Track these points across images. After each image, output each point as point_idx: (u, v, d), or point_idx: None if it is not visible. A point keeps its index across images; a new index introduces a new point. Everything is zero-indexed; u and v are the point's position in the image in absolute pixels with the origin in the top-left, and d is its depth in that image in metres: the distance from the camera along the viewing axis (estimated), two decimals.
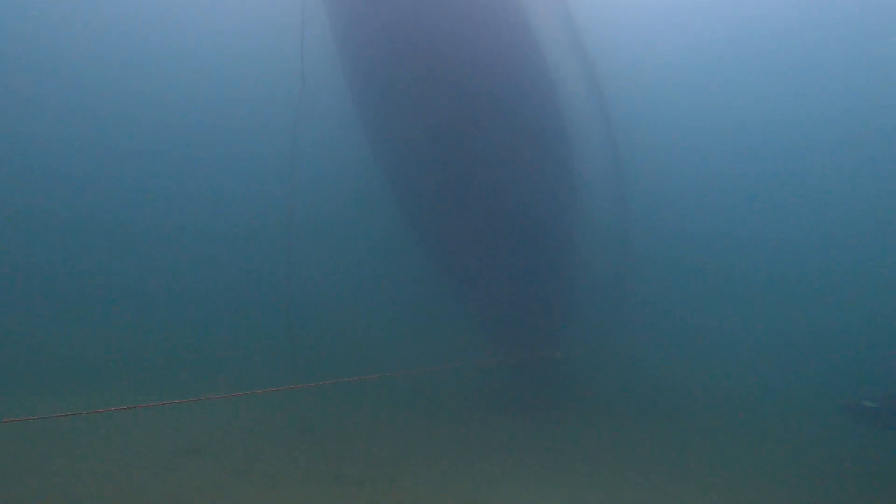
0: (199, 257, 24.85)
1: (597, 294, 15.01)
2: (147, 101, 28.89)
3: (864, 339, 20.96)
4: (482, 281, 12.17)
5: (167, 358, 15.83)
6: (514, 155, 11.58)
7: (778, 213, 30.66)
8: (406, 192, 12.90)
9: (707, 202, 29.78)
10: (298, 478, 7.98)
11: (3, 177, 25.62)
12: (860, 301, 25.04)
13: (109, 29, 28.66)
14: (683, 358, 18.23)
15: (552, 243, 12.62)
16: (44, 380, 13.31)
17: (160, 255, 24.53)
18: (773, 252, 29.16)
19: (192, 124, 29.49)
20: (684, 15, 30.21)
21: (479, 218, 11.66)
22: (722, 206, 30.26)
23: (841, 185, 30.57)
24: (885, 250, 27.31)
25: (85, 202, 26.27)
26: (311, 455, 9.15)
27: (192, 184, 28.55)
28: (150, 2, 28.75)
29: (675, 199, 26.86)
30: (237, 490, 7.37)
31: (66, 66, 28.90)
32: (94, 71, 28.95)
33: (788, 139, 31.54)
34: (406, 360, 13.47)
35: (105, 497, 6.98)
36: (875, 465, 10.55)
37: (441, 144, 11.26)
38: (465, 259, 12.07)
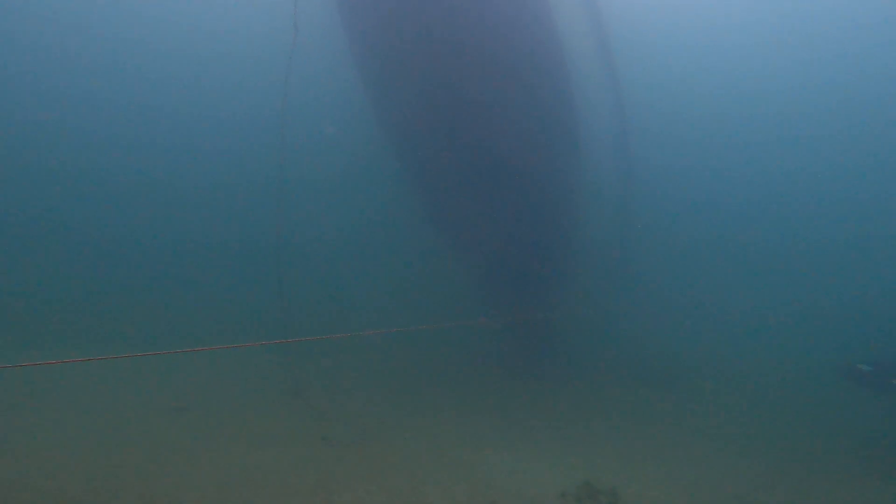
0: (186, 212, 24.52)
1: (596, 258, 14.94)
2: (134, 55, 27.98)
3: (860, 306, 21.51)
4: (479, 241, 12.04)
5: (154, 311, 15.77)
6: (518, 115, 11.29)
7: (778, 181, 30.73)
8: (406, 150, 12.61)
9: (708, 170, 29.71)
10: (285, 438, 7.97)
11: None
12: (857, 271, 25.42)
13: None
14: (683, 322, 18.43)
15: (553, 206, 12.46)
16: (28, 328, 13.23)
17: (148, 210, 24.17)
18: (774, 221, 29.42)
19: (182, 81, 28.62)
20: None
21: (479, 178, 11.44)
22: (723, 173, 30.23)
23: (844, 155, 30.56)
24: (883, 220, 27.59)
25: (72, 158, 25.62)
26: (298, 415, 9.15)
27: (181, 140, 27.88)
28: None
29: (677, 167, 26.70)
30: (222, 449, 7.34)
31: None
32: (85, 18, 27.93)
33: (797, 102, 31.38)
34: (399, 318, 13.45)
35: (88, 451, 6.93)
36: (868, 423, 11.18)
37: (443, 103, 10.93)
38: (463, 217, 11.90)
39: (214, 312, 15.57)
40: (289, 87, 8.15)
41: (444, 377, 12.36)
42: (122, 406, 9.00)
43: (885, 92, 30.05)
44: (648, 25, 24.87)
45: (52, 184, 23.97)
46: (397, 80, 11.22)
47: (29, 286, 16.70)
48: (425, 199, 12.68)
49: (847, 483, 8.02)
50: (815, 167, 30.81)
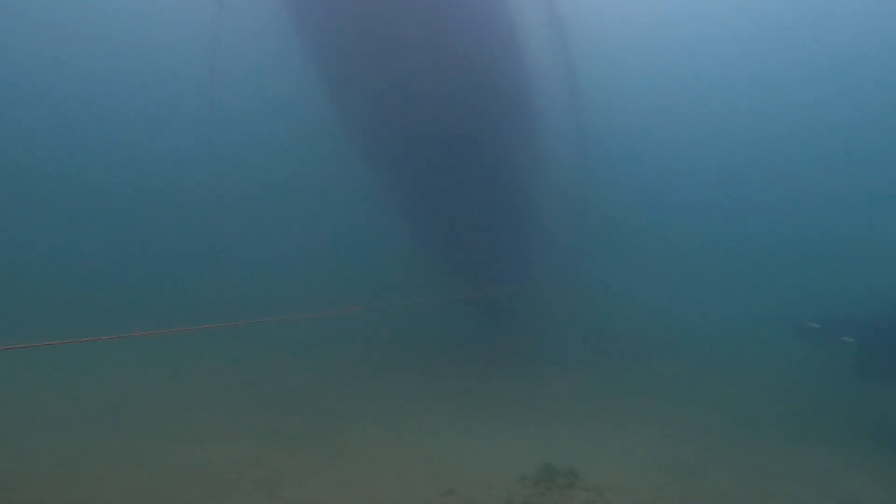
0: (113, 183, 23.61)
1: (558, 231, 14.80)
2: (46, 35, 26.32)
3: (812, 268, 22.39)
4: (434, 217, 11.73)
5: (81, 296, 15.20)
6: (474, 84, 10.96)
7: (736, 146, 31.41)
8: (355, 125, 12.13)
9: (666, 147, 30.06)
10: (229, 434, 7.53)
11: None
12: (811, 233, 26.29)
13: None
14: (643, 297, 18.58)
15: (514, 176, 12.20)
16: None
17: (77, 202, 23.23)
18: (733, 185, 30.20)
19: (102, 64, 26.94)
20: None
21: (435, 154, 11.09)
22: (681, 137, 30.71)
23: (804, 120, 31.28)
24: (840, 185, 28.47)
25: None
26: (245, 408, 8.70)
27: (96, 128, 26.44)
28: None
29: (633, 143, 26.79)
30: (156, 449, 6.87)
31: None
32: None
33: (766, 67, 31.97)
34: (355, 297, 13.13)
35: (14, 457, 6.49)
36: (823, 385, 11.76)
37: (394, 77, 10.52)
38: (415, 192, 11.57)
39: (147, 297, 14.97)
40: (214, 70, 7.66)
41: (401, 360, 12.04)
42: (44, 404, 8.46)
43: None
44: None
45: None
46: (349, 55, 10.75)
47: None
48: (378, 175, 12.28)
49: (809, 453, 8.03)
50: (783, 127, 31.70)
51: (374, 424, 8.23)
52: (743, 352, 14.61)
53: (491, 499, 5.98)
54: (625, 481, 6.53)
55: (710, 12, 32.18)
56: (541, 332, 13.26)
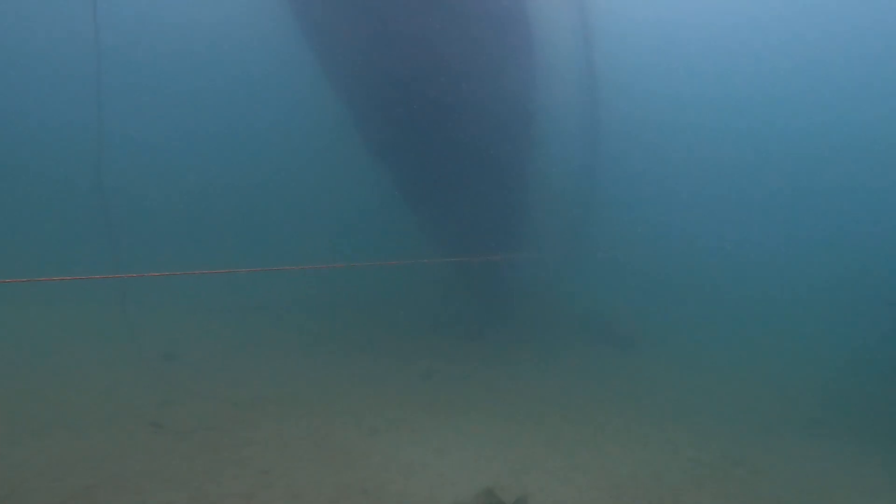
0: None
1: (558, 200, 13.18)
2: None
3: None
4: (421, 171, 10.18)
5: None
6: (466, 41, 9.31)
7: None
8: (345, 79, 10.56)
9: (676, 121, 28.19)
10: (97, 423, 6.03)
11: None
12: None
13: None
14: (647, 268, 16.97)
15: (511, 141, 10.56)
16: None
17: None
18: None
19: None
20: None
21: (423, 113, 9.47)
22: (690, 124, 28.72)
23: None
24: None
25: None
26: (126, 392, 7.17)
27: None
28: None
29: (643, 116, 24.87)
30: (26, 442, 5.41)
31: None
32: None
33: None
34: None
35: None
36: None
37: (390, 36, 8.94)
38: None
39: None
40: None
41: (351, 333, 10.45)
42: None
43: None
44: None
45: None
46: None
47: None
48: (367, 131, 10.66)
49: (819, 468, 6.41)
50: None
51: (294, 421, 6.62)
52: (766, 340, 12.79)
53: None
54: None
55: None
56: (524, 307, 11.69)
